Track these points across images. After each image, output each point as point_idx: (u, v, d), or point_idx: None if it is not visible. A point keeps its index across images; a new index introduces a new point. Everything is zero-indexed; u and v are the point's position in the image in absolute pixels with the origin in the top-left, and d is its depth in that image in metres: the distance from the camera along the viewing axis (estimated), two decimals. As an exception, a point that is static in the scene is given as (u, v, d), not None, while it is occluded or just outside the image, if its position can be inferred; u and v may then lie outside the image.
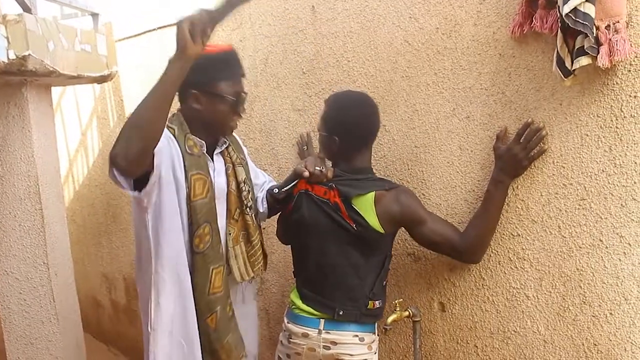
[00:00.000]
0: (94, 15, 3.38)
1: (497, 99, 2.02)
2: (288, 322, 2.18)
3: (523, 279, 2.02)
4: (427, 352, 2.35)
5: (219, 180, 2.16)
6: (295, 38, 2.70)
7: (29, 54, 2.60)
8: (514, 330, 2.07)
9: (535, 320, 2.01)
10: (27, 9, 2.77)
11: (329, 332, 2.08)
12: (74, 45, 3.00)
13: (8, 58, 2.56)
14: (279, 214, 2.35)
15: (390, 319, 2.06)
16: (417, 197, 2.12)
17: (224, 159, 2.20)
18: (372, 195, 2.02)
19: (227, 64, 2.06)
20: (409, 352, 2.43)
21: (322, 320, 2.09)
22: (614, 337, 1.82)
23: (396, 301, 2.12)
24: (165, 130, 1.91)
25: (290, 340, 2.16)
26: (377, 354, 2.16)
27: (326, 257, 2.10)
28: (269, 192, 2.29)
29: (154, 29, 3.50)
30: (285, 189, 2.19)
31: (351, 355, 2.07)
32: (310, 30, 2.62)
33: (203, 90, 2.03)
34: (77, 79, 3.13)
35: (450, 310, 2.26)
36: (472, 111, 2.09)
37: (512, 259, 2.05)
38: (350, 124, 2.06)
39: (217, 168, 2.17)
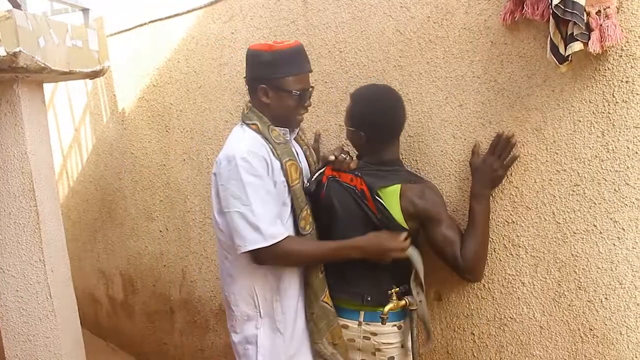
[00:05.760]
0: (85, 11, 3.36)
1: (490, 87, 2.02)
2: None
3: (518, 265, 2.03)
4: (424, 341, 2.36)
5: (304, 163, 2.24)
6: (287, 29, 2.69)
7: (20, 51, 2.58)
8: (510, 317, 2.09)
9: (531, 306, 2.02)
10: (16, 5, 2.75)
11: (369, 324, 2.11)
12: (65, 41, 2.98)
13: (-2, 55, 2.55)
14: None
15: (386, 308, 2.07)
16: (441, 196, 2.11)
17: (299, 143, 2.27)
18: (397, 187, 2.02)
19: (294, 60, 2.08)
20: (406, 340, 2.44)
21: (362, 312, 2.12)
22: (610, 322, 1.83)
23: (392, 290, 2.12)
24: (256, 138, 2.06)
25: None
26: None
27: None
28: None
29: (146, 23, 3.49)
30: (313, 178, 2.21)
31: (390, 343, 2.11)
32: (302, 22, 2.62)
33: (271, 85, 2.07)
34: (69, 75, 3.11)
35: (446, 299, 2.27)
36: (465, 99, 2.09)
37: (507, 246, 2.05)
38: (376, 119, 2.06)
39: (299, 152, 2.24)
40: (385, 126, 2.09)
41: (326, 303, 2.14)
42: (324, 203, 2.17)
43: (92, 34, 3.27)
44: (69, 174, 4.60)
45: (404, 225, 2.02)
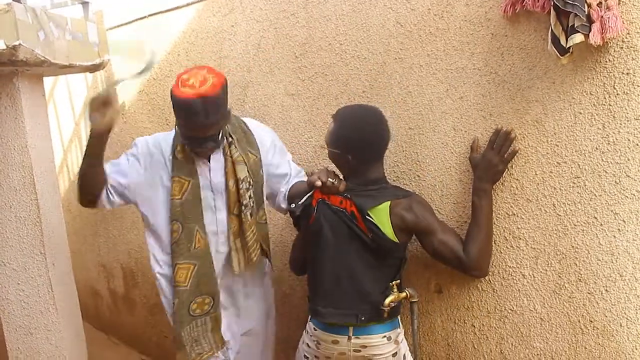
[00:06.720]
0: (84, 4, 3.35)
1: (490, 79, 2.02)
2: (315, 329, 2.20)
3: (519, 257, 2.04)
4: (425, 333, 2.37)
5: (215, 178, 2.27)
6: (287, 22, 2.69)
7: (20, 44, 2.57)
8: (510, 309, 2.09)
9: (531, 298, 2.02)
10: (16, -2, 2.75)
11: (358, 338, 2.11)
12: (64, 34, 2.97)
13: (-2, 48, 2.55)
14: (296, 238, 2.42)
15: (387, 301, 2.07)
16: (430, 206, 2.12)
17: (224, 157, 2.26)
18: (387, 205, 2.04)
19: (182, 111, 2.10)
20: (407, 333, 2.43)
21: (351, 328, 2.11)
22: (610, 314, 1.84)
23: (393, 283, 2.13)
24: (166, 138, 2.31)
25: (319, 345, 2.19)
26: (404, 341, 2.19)
27: (343, 264, 2.11)
28: (288, 208, 2.32)
29: (145, 17, 3.47)
30: (300, 202, 2.20)
31: (381, 354, 2.11)
32: (302, 14, 2.61)
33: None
34: (68, 68, 3.11)
35: (447, 291, 2.28)
36: (466, 92, 2.09)
37: (507, 238, 2.06)
38: (362, 143, 2.07)
39: (214, 167, 2.27)
40: (372, 148, 2.10)
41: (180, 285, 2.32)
42: (313, 226, 2.17)
43: (92, 27, 3.26)
44: (69, 167, 4.59)
45: (394, 239, 2.04)
